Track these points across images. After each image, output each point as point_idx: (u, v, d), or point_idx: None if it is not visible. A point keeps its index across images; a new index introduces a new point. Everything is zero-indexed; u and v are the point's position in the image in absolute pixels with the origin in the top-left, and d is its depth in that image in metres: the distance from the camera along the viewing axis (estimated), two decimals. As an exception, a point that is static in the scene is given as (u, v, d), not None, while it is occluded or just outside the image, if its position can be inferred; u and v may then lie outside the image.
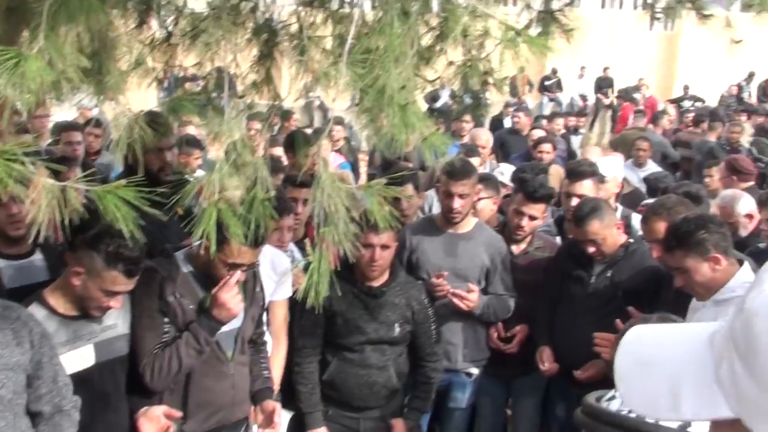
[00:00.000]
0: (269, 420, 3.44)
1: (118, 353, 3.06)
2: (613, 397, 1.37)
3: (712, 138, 10.68)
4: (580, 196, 4.69)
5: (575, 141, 13.17)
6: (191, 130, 6.75)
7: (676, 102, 19.33)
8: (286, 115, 9.44)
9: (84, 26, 1.96)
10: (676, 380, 0.79)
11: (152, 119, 2.88)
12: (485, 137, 7.79)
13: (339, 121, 9.51)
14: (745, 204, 5.01)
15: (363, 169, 10.11)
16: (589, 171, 4.88)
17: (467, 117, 8.90)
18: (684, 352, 0.81)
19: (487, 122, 12.76)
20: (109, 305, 2.88)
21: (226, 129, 2.40)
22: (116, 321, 3.07)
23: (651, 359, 0.84)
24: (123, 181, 2.14)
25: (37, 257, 3.50)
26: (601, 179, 5.31)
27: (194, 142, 6.05)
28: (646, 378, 0.83)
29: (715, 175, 7.15)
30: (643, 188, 7.45)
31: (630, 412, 1.29)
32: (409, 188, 4.83)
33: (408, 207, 4.86)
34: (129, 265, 2.81)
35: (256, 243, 3.06)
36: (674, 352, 0.82)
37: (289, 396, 3.93)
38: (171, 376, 3.13)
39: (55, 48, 1.91)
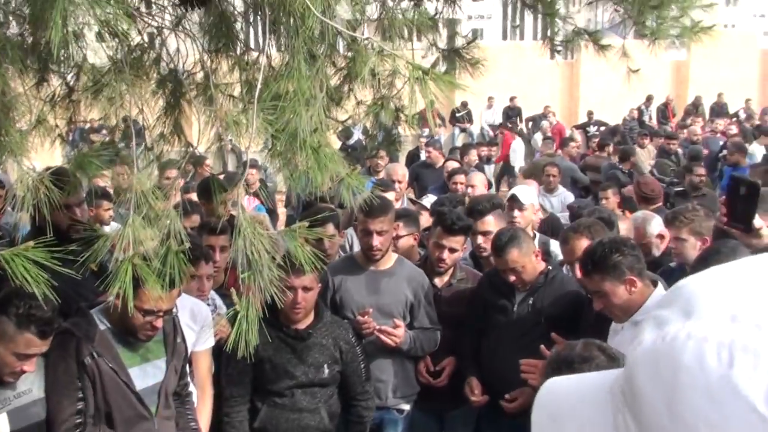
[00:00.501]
0: None
1: (35, 419, 2.95)
2: None
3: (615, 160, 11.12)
4: (484, 233, 4.78)
5: (489, 170, 13.45)
6: (103, 180, 6.61)
7: (582, 127, 19.95)
8: (199, 161, 9.32)
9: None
10: None
11: (58, 177, 2.81)
12: (401, 172, 7.86)
13: (253, 164, 9.43)
14: (656, 225, 5.19)
15: (281, 210, 10.05)
16: (489, 207, 4.96)
17: (382, 153, 8.98)
18: (590, 404, 0.82)
19: (402, 157, 12.91)
20: (23, 369, 2.78)
21: (135, 181, 2.35)
22: (30, 386, 2.95)
23: (562, 413, 0.85)
24: (31, 243, 2.06)
25: None
26: (520, 206, 5.43)
27: (104, 194, 5.92)
28: None
29: (610, 197, 7.51)
30: (556, 213, 7.65)
31: None
32: (330, 228, 4.83)
33: (330, 247, 4.85)
34: (42, 326, 2.72)
35: (171, 287, 3.00)
36: (582, 406, 0.83)
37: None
38: None
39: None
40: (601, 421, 0.78)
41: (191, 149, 3.46)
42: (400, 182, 7.43)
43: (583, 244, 3.93)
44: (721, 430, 0.64)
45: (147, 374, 3.25)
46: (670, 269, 4.55)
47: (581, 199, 8.73)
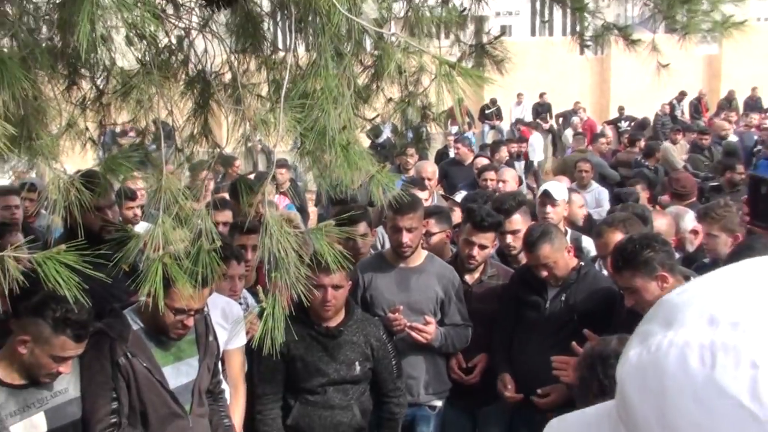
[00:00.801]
0: None
1: (71, 418, 2.99)
2: None
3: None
4: (512, 232, 4.75)
5: (519, 167, 13.38)
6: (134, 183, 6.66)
7: (613, 123, 19.78)
8: (229, 161, 9.39)
9: (8, 94, 1.93)
10: None
11: (88, 179, 2.84)
12: (431, 169, 7.84)
13: (283, 164, 9.49)
14: (689, 220, 5.13)
15: (312, 209, 10.09)
16: (515, 205, 4.93)
17: (411, 151, 8.97)
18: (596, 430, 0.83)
19: (432, 155, 12.88)
20: (59, 371, 2.82)
21: (164, 182, 2.37)
22: (66, 385, 3.00)
23: None
24: (63, 246, 2.09)
25: None
26: (552, 202, 5.39)
27: (128, 193, 5.96)
28: None
29: (640, 194, 7.45)
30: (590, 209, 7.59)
31: None
32: (363, 226, 4.83)
33: (362, 245, 4.86)
34: (78, 330, 2.76)
35: (203, 286, 3.03)
36: None
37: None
38: None
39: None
40: None
41: (219, 150, 3.47)
42: (429, 179, 7.42)
43: (617, 238, 3.90)
44: None
45: (180, 373, 3.28)
46: (704, 264, 4.50)
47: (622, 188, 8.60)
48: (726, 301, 0.69)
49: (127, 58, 3.09)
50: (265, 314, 2.40)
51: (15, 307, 2.90)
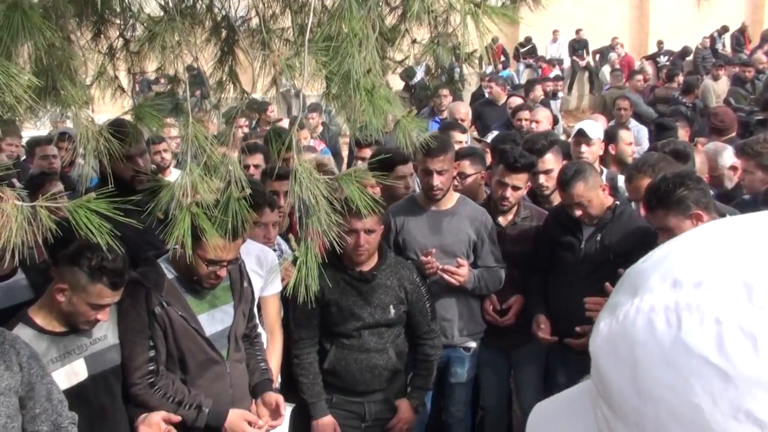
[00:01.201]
0: (275, 413, 3.43)
1: (111, 364, 3.06)
2: None
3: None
4: (545, 172, 4.69)
5: (554, 106, 13.17)
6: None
7: (652, 58, 19.31)
8: (262, 107, 9.38)
9: (31, 45, 1.93)
10: None
11: (117, 128, 2.85)
12: (464, 110, 7.76)
13: (315, 108, 9.46)
14: (728, 156, 5.02)
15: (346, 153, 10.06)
16: (547, 145, 4.85)
17: (445, 92, 8.88)
18: (574, 412, 0.84)
19: (467, 96, 12.72)
20: (97, 318, 2.87)
21: (193, 130, 2.36)
22: (105, 332, 3.06)
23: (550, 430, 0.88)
24: (93, 194, 2.10)
25: (20, 277, 3.48)
26: (587, 141, 5.31)
27: (154, 138, 5.96)
28: None
29: (679, 131, 7.25)
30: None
31: None
32: (409, 167, 4.81)
33: (411, 185, 4.85)
34: (113, 278, 2.79)
35: (234, 238, 3.04)
36: (567, 415, 0.85)
37: (289, 389, 3.93)
38: (158, 406, 3.14)
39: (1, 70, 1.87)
40: (585, 424, 0.80)
41: (247, 96, 3.45)
42: (463, 120, 7.35)
43: (646, 183, 3.82)
44: (684, 393, 0.65)
45: (215, 320, 3.33)
46: (744, 201, 4.41)
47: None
48: (688, 263, 0.70)
49: (151, 5, 3.06)
50: (298, 262, 2.41)
51: (54, 256, 2.95)
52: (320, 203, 2.35)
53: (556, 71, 16.32)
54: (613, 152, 5.94)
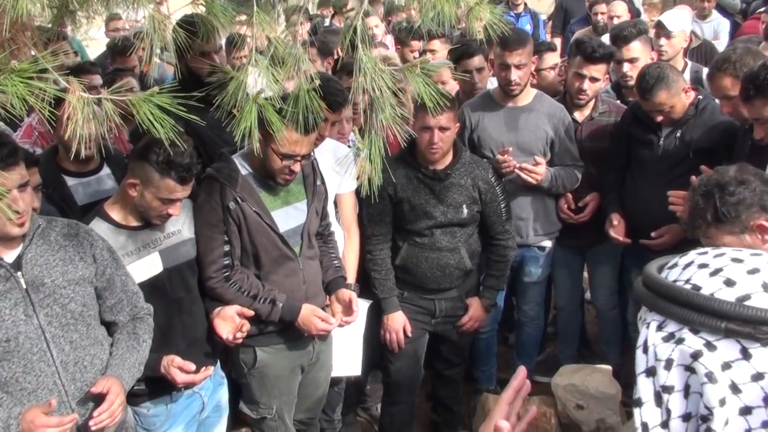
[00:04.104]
0: (348, 309, 3.49)
1: (185, 258, 3.12)
2: (675, 265, 1.29)
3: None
4: (630, 60, 4.47)
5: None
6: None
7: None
8: (339, 2, 9.21)
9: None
10: None
11: (187, 25, 2.82)
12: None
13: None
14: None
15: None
16: (635, 32, 4.60)
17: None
18: None
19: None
20: (169, 213, 2.92)
21: (257, 20, 2.32)
22: (180, 227, 3.12)
23: None
24: (156, 88, 2.10)
25: (105, 172, 3.55)
26: (667, 34, 5.03)
27: (236, 41, 5.90)
28: None
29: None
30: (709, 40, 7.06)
31: (687, 281, 1.23)
32: (478, 60, 4.68)
33: (480, 80, 4.73)
34: (182, 172, 2.82)
35: (308, 131, 3.02)
36: None
37: (365, 285, 3.99)
38: (233, 299, 3.21)
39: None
40: None
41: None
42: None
43: (727, 82, 3.57)
44: None
45: (289, 216, 3.34)
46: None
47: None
48: None
49: None
50: (362, 156, 2.38)
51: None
52: (385, 96, 2.29)
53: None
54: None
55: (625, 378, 4.38)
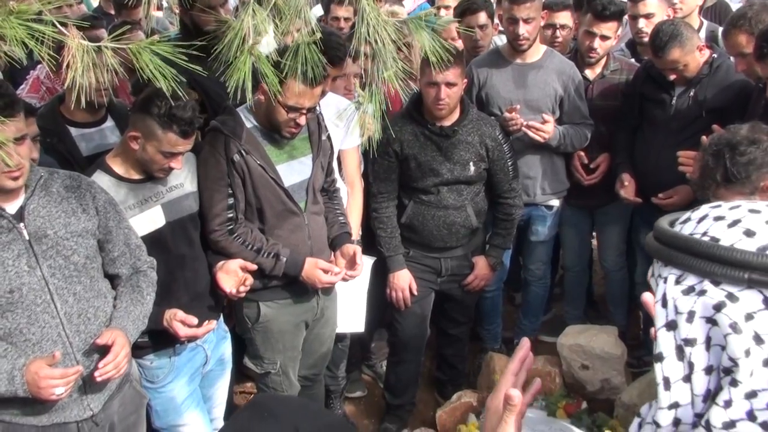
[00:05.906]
0: (352, 263, 3.48)
1: (188, 211, 3.10)
2: (688, 219, 1.27)
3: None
4: (646, 16, 4.38)
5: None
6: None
7: None
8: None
9: None
10: None
11: None
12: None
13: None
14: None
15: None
16: None
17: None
18: None
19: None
20: (171, 166, 2.90)
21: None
22: (183, 180, 3.09)
23: None
24: (157, 37, 2.07)
25: (109, 124, 3.53)
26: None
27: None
28: None
29: None
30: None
31: (704, 234, 1.20)
32: (482, 16, 4.60)
33: (483, 37, 4.66)
34: (183, 126, 2.79)
35: (314, 83, 2.99)
36: None
37: (370, 243, 3.97)
38: (237, 253, 3.20)
39: None
40: None
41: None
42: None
43: (743, 39, 3.47)
44: None
45: (294, 171, 3.32)
46: None
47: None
48: None
49: None
50: (361, 109, 2.34)
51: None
52: (387, 47, 2.24)
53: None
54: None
55: (631, 339, 4.37)
